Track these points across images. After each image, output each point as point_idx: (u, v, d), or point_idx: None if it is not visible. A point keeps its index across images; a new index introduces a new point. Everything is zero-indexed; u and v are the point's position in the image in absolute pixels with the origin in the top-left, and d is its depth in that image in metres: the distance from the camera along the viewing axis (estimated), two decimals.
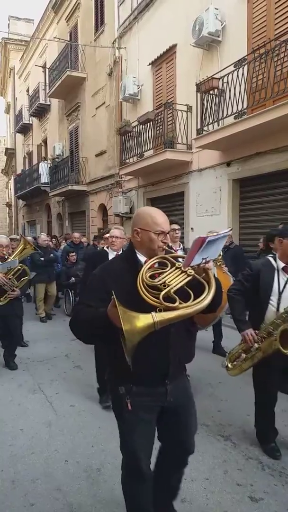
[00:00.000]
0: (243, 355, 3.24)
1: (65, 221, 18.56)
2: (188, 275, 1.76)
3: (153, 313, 1.58)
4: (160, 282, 1.71)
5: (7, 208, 35.45)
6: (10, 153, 29.59)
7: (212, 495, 2.68)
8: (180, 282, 1.73)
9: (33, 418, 3.86)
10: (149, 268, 1.79)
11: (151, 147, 10.18)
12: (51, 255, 8.40)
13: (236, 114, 7.31)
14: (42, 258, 8.01)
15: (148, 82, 11.27)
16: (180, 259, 1.87)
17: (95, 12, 14.38)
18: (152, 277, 1.76)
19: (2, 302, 4.91)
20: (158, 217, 1.95)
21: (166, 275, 1.76)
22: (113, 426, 3.61)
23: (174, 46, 9.95)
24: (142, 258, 1.95)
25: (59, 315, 8.41)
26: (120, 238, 4.11)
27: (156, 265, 1.84)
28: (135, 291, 1.67)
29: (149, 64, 10.99)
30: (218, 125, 7.79)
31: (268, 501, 2.62)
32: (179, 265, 1.81)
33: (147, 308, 1.60)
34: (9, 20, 26.81)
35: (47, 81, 18.25)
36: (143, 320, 1.56)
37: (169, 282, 1.72)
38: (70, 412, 3.98)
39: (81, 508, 2.58)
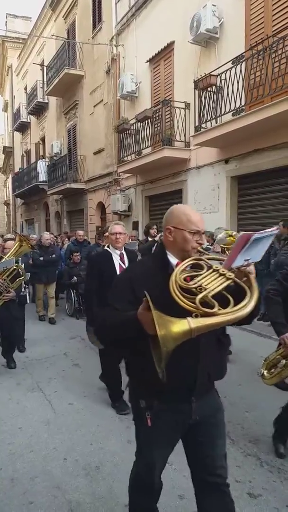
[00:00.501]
0: (283, 361, 2.98)
1: (63, 220, 18.55)
2: (228, 279, 1.59)
3: (189, 318, 1.43)
4: (196, 285, 1.55)
5: (5, 207, 35.40)
6: (8, 152, 29.50)
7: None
8: (219, 286, 1.57)
9: (31, 416, 3.85)
10: (182, 270, 1.63)
11: (149, 144, 10.16)
12: (53, 255, 8.04)
13: (234, 111, 7.30)
14: (42, 258, 7.75)
15: (146, 80, 11.25)
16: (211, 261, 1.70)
17: (92, 10, 14.34)
18: (185, 280, 1.60)
19: None
20: (193, 215, 1.81)
21: (202, 278, 1.59)
22: (111, 424, 3.66)
23: (172, 43, 9.92)
24: (173, 259, 1.80)
25: (58, 314, 8.38)
26: (124, 234, 3.89)
27: (188, 268, 1.67)
28: (165, 294, 1.50)
29: (147, 61, 10.97)
30: (216, 122, 7.78)
31: (267, 497, 2.62)
32: (216, 267, 1.64)
33: (178, 314, 1.43)
34: (6, 17, 26.72)
35: (45, 79, 18.20)
36: (178, 325, 1.41)
37: (205, 285, 1.55)
38: (68, 410, 3.97)
39: (80, 506, 2.57)
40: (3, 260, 4.84)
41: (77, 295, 8.35)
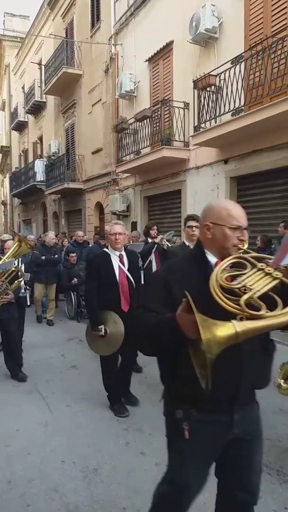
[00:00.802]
0: None
1: (61, 220, 18.49)
2: (275, 278, 1.46)
3: (233, 321, 1.31)
4: (240, 285, 1.43)
5: (2, 207, 35.30)
6: (5, 151, 29.44)
7: (209, 494, 2.63)
8: (265, 286, 1.44)
9: (29, 418, 3.82)
10: (223, 269, 1.50)
11: (148, 144, 10.14)
12: (56, 255, 8.03)
13: (233, 111, 7.29)
14: (43, 257, 7.69)
15: (144, 79, 11.22)
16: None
17: (91, 9, 14.31)
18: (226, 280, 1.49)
19: None
20: (235, 209, 1.69)
21: (246, 278, 1.47)
22: (109, 426, 3.63)
23: (171, 42, 9.90)
24: (212, 258, 1.68)
25: (56, 315, 8.30)
26: (123, 234, 3.78)
27: (227, 268, 1.54)
28: (204, 295, 1.38)
29: (146, 61, 10.94)
30: (215, 122, 7.76)
31: (266, 499, 2.60)
32: (262, 266, 1.51)
33: (218, 317, 1.32)
34: (4, 16, 26.69)
35: (43, 78, 18.16)
36: (223, 329, 1.29)
37: (250, 285, 1.43)
38: (66, 412, 3.95)
39: (77, 509, 2.55)
40: (1, 261, 4.67)
41: (77, 297, 8.20)
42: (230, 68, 7.22)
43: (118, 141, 11.68)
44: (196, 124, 8.27)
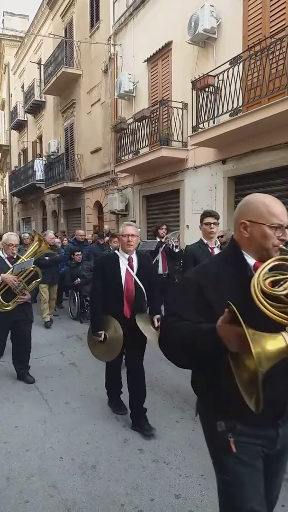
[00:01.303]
0: None
1: (60, 219, 18.52)
2: None
3: (283, 333, 1.21)
4: (286, 291, 1.30)
5: (2, 205, 35.28)
6: (4, 150, 29.44)
7: (207, 491, 2.69)
8: None
9: (28, 415, 3.85)
10: (265, 273, 1.36)
11: (146, 144, 10.16)
12: (57, 254, 7.82)
13: (232, 111, 7.31)
14: (47, 258, 7.32)
15: (143, 79, 11.25)
16: None
17: (90, 8, 14.32)
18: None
19: (11, 307, 4.44)
20: (275, 206, 1.51)
21: None
22: (108, 423, 3.66)
23: (170, 43, 9.92)
24: (250, 260, 1.52)
25: (62, 315, 8.17)
26: (136, 236, 3.53)
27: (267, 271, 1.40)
28: (242, 302, 1.24)
29: (145, 61, 10.96)
30: (214, 123, 7.79)
31: None
32: None
33: (259, 326, 1.21)
34: (3, 15, 26.65)
35: (42, 78, 18.16)
36: (273, 342, 1.18)
37: None
38: (65, 409, 3.98)
39: (76, 505, 2.58)
40: (20, 260, 4.55)
41: (80, 297, 7.98)
42: (229, 68, 7.24)
43: (117, 141, 11.70)
44: (194, 124, 8.29)
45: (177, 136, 9.47)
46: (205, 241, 3.98)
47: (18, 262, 4.52)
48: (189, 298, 1.53)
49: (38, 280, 4.67)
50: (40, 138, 21.21)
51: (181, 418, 3.72)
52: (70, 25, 16.23)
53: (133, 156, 10.69)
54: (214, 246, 3.95)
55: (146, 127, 10.05)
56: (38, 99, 19.94)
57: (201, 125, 8.14)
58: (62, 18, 16.97)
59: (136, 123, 10.37)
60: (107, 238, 9.33)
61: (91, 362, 5.41)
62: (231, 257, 1.59)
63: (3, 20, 26.62)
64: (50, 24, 18.47)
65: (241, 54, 7.18)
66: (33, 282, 4.61)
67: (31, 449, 3.24)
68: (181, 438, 3.36)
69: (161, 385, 4.50)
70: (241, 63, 7.06)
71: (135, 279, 3.52)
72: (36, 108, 20.92)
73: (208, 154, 8.78)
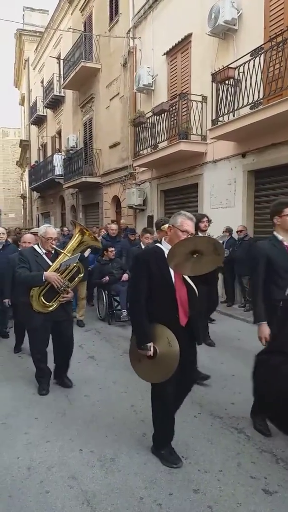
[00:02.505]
0: None
1: (78, 213, 18.63)
2: None
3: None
4: None
5: (22, 200, 35.74)
6: (24, 145, 29.74)
7: (225, 487, 2.69)
8: None
9: (47, 407, 3.91)
10: None
11: (165, 138, 10.11)
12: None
13: (252, 104, 7.20)
14: (86, 253, 6.88)
15: (162, 73, 11.17)
16: None
17: (109, 2, 14.27)
18: None
19: (54, 307, 4.07)
20: None
21: None
22: (126, 417, 3.68)
23: (190, 35, 9.81)
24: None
25: (90, 313, 7.81)
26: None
27: None
28: None
29: (164, 54, 10.87)
30: (234, 116, 7.68)
31: (282, 494, 2.61)
32: None
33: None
34: (23, 11, 26.80)
35: (62, 72, 18.22)
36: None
37: None
38: (84, 402, 4.02)
39: (95, 497, 2.61)
40: (61, 255, 4.13)
41: (108, 296, 7.43)
42: (249, 60, 7.12)
43: (136, 135, 11.67)
44: (214, 117, 8.20)
45: (196, 130, 9.38)
46: (280, 238, 3.31)
47: (64, 259, 4.07)
48: None
49: (80, 276, 4.27)
50: (59, 133, 21.34)
51: (199, 413, 3.72)
52: (89, 19, 16.21)
53: (151, 150, 10.64)
54: None
55: (165, 121, 9.99)
56: (58, 94, 20.03)
57: (220, 118, 8.05)
58: (81, 12, 16.96)
59: (155, 116, 10.32)
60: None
61: (109, 355, 5.47)
62: None
63: (23, 15, 26.77)
64: (69, 18, 18.49)
65: (262, 46, 7.05)
66: (76, 278, 4.20)
67: (51, 440, 3.29)
68: (199, 434, 3.36)
69: None
70: (262, 55, 6.94)
71: (184, 277, 2.89)
72: (55, 103, 21.04)
73: (227, 148, 8.68)
